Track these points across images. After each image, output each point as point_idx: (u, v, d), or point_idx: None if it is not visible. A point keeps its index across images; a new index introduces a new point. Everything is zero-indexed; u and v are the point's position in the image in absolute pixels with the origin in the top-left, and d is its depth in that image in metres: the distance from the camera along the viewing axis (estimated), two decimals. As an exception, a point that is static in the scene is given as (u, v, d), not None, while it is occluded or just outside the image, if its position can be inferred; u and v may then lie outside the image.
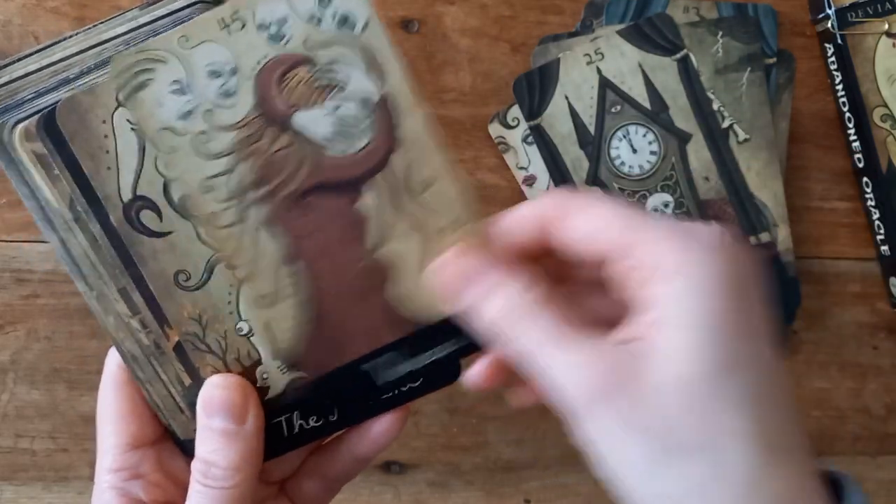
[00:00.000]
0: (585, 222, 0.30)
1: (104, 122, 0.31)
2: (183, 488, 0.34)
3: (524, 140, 0.52)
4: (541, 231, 0.31)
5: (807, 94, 0.56)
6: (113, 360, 0.34)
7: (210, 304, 0.33)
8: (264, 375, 0.34)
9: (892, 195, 0.54)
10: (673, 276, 0.28)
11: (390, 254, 0.34)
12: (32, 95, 0.32)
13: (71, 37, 0.33)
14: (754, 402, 0.28)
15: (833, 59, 0.55)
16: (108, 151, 0.31)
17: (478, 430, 0.52)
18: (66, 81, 0.32)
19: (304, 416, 0.35)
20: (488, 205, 0.53)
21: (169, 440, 0.35)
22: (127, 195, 0.31)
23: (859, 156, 0.55)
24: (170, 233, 0.32)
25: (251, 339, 0.34)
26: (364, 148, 0.33)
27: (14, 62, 0.32)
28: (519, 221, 0.32)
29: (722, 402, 0.27)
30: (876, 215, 0.55)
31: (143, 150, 0.31)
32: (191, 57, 0.32)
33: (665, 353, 0.28)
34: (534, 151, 0.52)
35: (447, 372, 0.36)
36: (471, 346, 0.33)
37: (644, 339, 0.28)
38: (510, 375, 0.33)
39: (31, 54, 0.32)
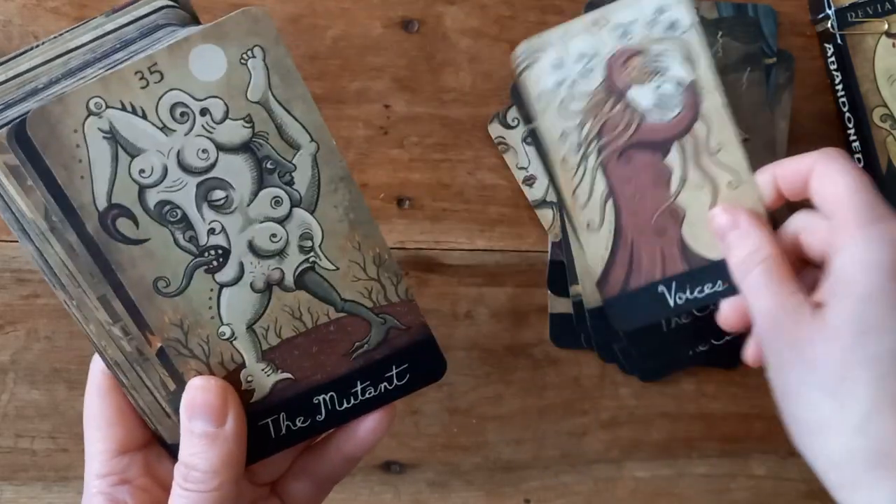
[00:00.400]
0: (832, 185, 0.37)
1: (75, 131, 0.30)
2: (170, 492, 0.34)
3: (524, 140, 0.52)
4: (803, 181, 0.38)
5: (807, 94, 0.56)
6: (97, 366, 0.34)
7: (191, 309, 0.33)
8: (248, 378, 0.34)
9: (892, 195, 0.54)
10: (849, 256, 0.35)
11: (687, 199, 0.43)
12: (1, 107, 0.31)
13: (37, 47, 0.32)
14: (889, 362, 0.34)
15: (833, 59, 0.55)
16: (80, 161, 0.31)
17: (478, 430, 0.52)
18: (35, 92, 0.31)
19: (291, 418, 0.35)
20: (488, 205, 0.53)
21: (156, 444, 0.35)
22: (102, 203, 0.31)
23: (859, 156, 0.55)
24: (147, 240, 0.32)
25: (234, 342, 0.34)
26: (675, 117, 0.44)
27: None
28: (787, 171, 0.39)
29: (857, 357, 0.34)
30: (876, 215, 0.55)
31: (116, 158, 0.31)
32: (567, 45, 0.45)
33: (828, 316, 0.35)
34: (534, 151, 0.52)
35: (430, 371, 0.36)
36: (733, 288, 0.40)
37: (822, 297, 0.36)
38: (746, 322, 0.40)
39: None
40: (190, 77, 0.31)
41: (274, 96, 0.32)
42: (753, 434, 0.55)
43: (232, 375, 0.34)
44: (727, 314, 0.41)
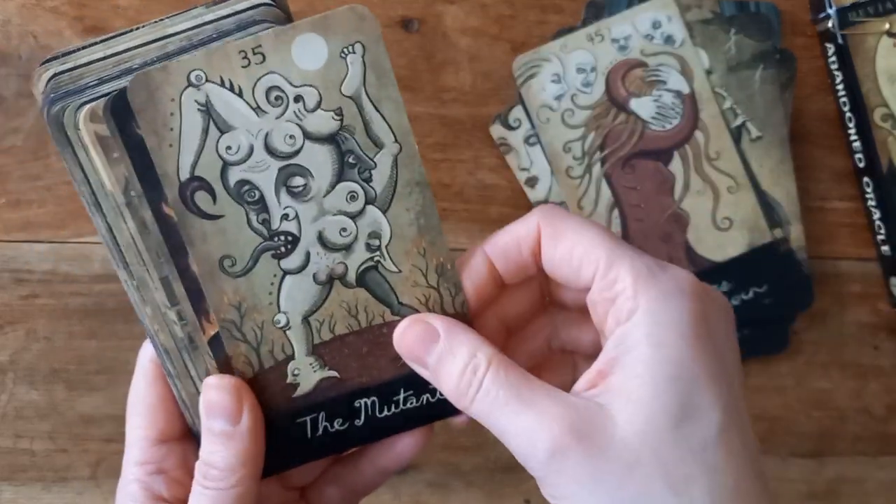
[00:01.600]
0: (571, 246, 0.31)
1: (172, 100, 0.31)
2: None
3: (526, 141, 0.52)
4: (531, 250, 0.32)
5: (807, 93, 0.56)
6: (146, 353, 0.35)
7: (251, 292, 0.33)
8: (295, 371, 0.34)
9: (893, 195, 0.54)
10: (639, 320, 0.29)
11: (690, 205, 0.46)
12: (95, 82, 0.32)
13: (135, 30, 0.33)
14: (715, 449, 0.28)
15: (834, 58, 0.55)
16: (172, 129, 0.31)
17: (478, 431, 0.52)
18: (129, 71, 0.32)
19: (330, 419, 0.34)
20: (488, 205, 0.52)
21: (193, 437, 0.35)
22: (185, 174, 0.31)
23: (860, 155, 0.55)
24: (221, 216, 0.32)
25: (287, 332, 0.33)
26: (675, 127, 0.48)
27: (78, 50, 0.32)
28: (511, 242, 0.32)
29: (682, 452, 0.27)
30: (877, 215, 0.55)
31: (206, 131, 0.31)
32: (566, 58, 0.49)
33: (625, 402, 0.28)
34: (536, 152, 0.52)
35: None
36: (742, 286, 0.41)
37: (607, 383, 0.29)
38: None
39: (96, 43, 0.33)
40: (290, 63, 0.31)
41: (367, 93, 0.32)
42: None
43: (279, 367, 0.34)
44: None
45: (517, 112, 0.52)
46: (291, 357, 0.34)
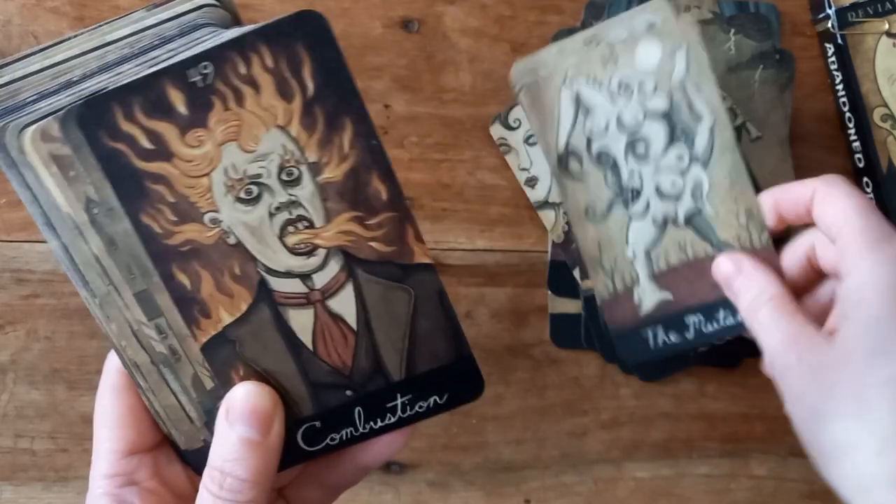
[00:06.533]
0: (834, 209, 0.37)
1: (554, 94, 0.42)
2: (180, 497, 0.33)
3: (526, 141, 0.52)
4: (805, 207, 0.39)
5: (807, 94, 0.56)
6: (113, 363, 0.34)
7: (607, 233, 0.43)
8: (640, 294, 0.43)
9: (893, 195, 0.54)
10: (859, 280, 0.35)
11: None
12: (34, 97, 0.31)
13: (73, 37, 0.32)
14: None
15: (833, 58, 0.55)
16: (554, 115, 0.42)
17: (478, 430, 0.52)
18: (69, 85, 0.31)
19: (666, 332, 0.43)
20: (488, 205, 0.53)
21: (166, 447, 0.35)
22: (561, 147, 0.42)
23: (859, 156, 0.55)
24: (586, 177, 0.43)
25: (634, 263, 0.43)
26: None
27: (14, 62, 0.31)
28: (788, 197, 0.40)
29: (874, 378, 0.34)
30: (876, 215, 0.55)
31: (576, 115, 0.42)
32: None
33: (841, 341, 0.35)
34: (536, 152, 0.52)
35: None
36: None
37: (834, 324, 0.36)
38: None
39: (32, 54, 0.31)
40: (634, 62, 0.41)
41: (689, 80, 0.40)
42: (754, 434, 0.55)
43: (628, 291, 0.44)
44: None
45: (517, 112, 0.52)
46: (637, 282, 0.43)
